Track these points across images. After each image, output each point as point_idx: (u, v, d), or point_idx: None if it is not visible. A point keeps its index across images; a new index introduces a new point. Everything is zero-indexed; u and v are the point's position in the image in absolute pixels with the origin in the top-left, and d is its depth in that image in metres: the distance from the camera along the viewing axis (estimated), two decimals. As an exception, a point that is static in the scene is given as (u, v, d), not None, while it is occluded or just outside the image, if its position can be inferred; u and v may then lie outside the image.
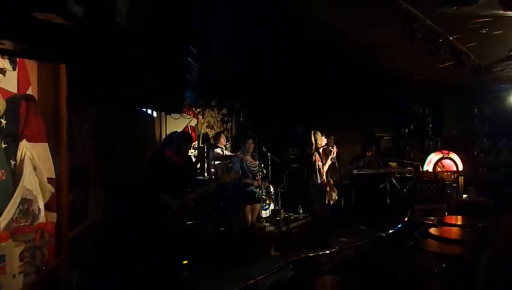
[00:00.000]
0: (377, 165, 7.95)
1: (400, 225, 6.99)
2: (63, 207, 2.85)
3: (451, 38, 5.78)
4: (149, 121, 6.28)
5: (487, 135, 9.33)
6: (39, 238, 2.50)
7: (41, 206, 2.66)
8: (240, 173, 6.44)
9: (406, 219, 7.29)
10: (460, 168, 8.31)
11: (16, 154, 2.43)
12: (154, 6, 1.93)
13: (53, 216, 2.77)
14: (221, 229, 6.64)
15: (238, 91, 7.99)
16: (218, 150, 7.40)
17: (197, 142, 8.29)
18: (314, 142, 6.04)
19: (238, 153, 6.79)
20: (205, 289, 5.05)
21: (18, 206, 2.37)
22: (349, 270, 5.37)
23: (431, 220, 6.75)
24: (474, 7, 4.63)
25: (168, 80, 2.81)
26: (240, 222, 6.58)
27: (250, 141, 6.58)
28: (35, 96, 2.67)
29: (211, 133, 8.59)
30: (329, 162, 6.12)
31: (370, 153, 7.60)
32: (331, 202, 6.12)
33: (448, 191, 7.94)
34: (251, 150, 6.68)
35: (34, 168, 2.61)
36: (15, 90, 2.43)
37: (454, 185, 8.13)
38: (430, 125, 9.38)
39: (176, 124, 7.72)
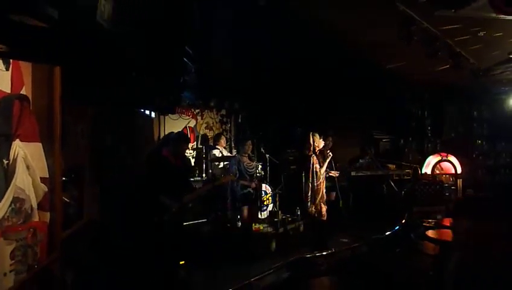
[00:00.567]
0: (375, 167, 7.95)
1: (397, 227, 7.00)
2: (56, 206, 2.87)
3: (449, 41, 5.79)
4: (147, 121, 6.29)
5: (486, 138, 9.32)
6: (31, 237, 2.52)
7: (34, 205, 2.67)
8: (237, 174, 6.45)
9: (404, 221, 7.32)
10: (459, 170, 8.32)
11: (9, 153, 2.45)
12: (145, 8, 1.95)
13: (46, 215, 2.79)
14: (218, 230, 6.65)
15: (237, 92, 8.01)
16: (215, 151, 7.41)
17: (195, 143, 8.30)
18: (312, 143, 6.04)
19: (235, 155, 6.80)
20: (202, 290, 5.06)
21: (10, 205, 2.38)
22: (345, 272, 5.38)
23: (428, 222, 6.76)
24: (471, 10, 4.65)
25: (161, 81, 2.82)
26: (237, 223, 6.59)
27: (249, 142, 6.60)
28: (29, 96, 2.68)
29: (210, 134, 8.60)
30: (326, 164, 6.11)
31: (368, 153, 7.62)
32: (321, 206, 6.09)
33: (447, 194, 7.95)
34: (249, 152, 6.70)
35: (27, 167, 2.62)
36: (8, 90, 2.45)
37: (452, 187, 8.14)
38: (429, 128, 9.38)
39: (174, 124, 7.74)
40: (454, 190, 8.06)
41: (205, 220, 6.45)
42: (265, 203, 7.35)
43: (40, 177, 2.76)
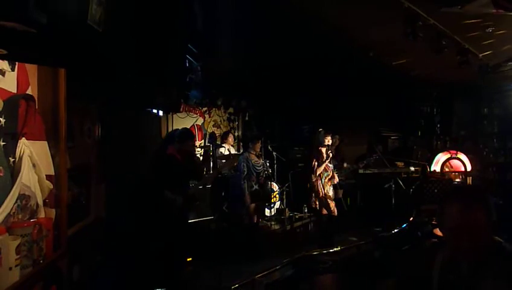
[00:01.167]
0: (383, 164, 7.92)
1: (404, 225, 6.96)
2: (61, 203, 2.94)
3: (456, 37, 5.73)
4: (154, 120, 6.36)
5: (497, 135, 9.18)
6: (37, 233, 2.60)
7: (40, 202, 2.75)
8: (245, 172, 6.50)
9: (411, 219, 7.27)
10: (469, 168, 8.22)
11: (15, 151, 2.53)
12: (141, 10, 1.99)
13: (51, 212, 2.87)
14: (225, 227, 6.71)
15: (244, 90, 8.04)
16: (221, 149, 7.47)
17: (203, 141, 8.37)
18: (321, 141, 6.05)
19: (243, 152, 6.84)
20: (208, 286, 5.11)
21: (16, 202, 2.46)
22: (350, 269, 5.38)
23: (436, 220, 6.70)
24: (478, 7, 4.61)
25: (162, 80, 2.87)
26: (244, 220, 6.64)
27: (260, 141, 6.67)
28: (35, 96, 2.76)
29: (218, 132, 8.66)
30: (325, 163, 6.06)
31: (375, 154, 7.59)
32: (327, 202, 6.11)
33: (456, 192, 7.87)
34: (258, 150, 6.74)
35: (33, 165, 2.70)
36: (14, 90, 2.53)
37: (462, 185, 8.05)
38: (439, 125, 9.29)
39: (182, 123, 7.81)
40: (464, 188, 7.97)
41: (212, 217, 6.50)
42: (272, 200, 7.39)
43: (46, 175, 2.83)
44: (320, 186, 6.05)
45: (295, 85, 7.96)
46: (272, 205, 7.35)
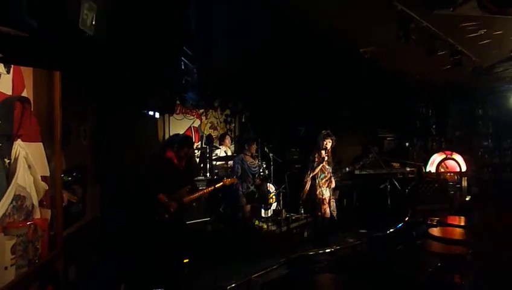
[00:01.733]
0: (379, 165, 7.97)
1: (399, 225, 7.01)
2: (57, 204, 2.98)
3: (449, 39, 5.79)
4: (151, 121, 6.39)
5: (491, 136, 9.25)
6: (32, 233, 2.63)
7: (35, 203, 2.78)
8: (240, 173, 6.55)
9: (407, 219, 7.32)
10: (464, 169, 8.28)
11: (10, 153, 2.56)
12: (136, 12, 2.02)
13: (47, 213, 2.90)
14: (222, 228, 6.74)
15: (241, 92, 8.08)
16: (217, 151, 7.51)
17: (200, 143, 8.40)
18: (320, 144, 6.06)
19: (238, 154, 6.89)
20: (205, 287, 5.14)
21: (11, 202, 2.49)
22: (346, 269, 5.42)
23: (431, 220, 6.77)
24: (469, 9, 4.66)
25: (156, 82, 2.90)
26: (240, 221, 6.68)
27: (255, 143, 6.72)
28: (30, 98, 2.80)
29: (214, 133, 8.70)
30: (321, 165, 6.07)
31: (371, 154, 7.63)
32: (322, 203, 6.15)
33: (452, 192, 7.93)
34: (253, 152, 6.79)
35: (29, 166, 2.73)
36: (10, 92, 2.56)
37: (457, 186, 8.11)
38: (434, 126, 9.35)
39: (179, 124, 7.84)
40: (459, 188, 8.03)
41: (208, 218, 6.54)
42: (269, 202, 7.42)
43: (41, 176, 2.87)
44: (311, 188, 6.08)
45: (291, 86, 8.00)
46: (269, 206, 7.38)
